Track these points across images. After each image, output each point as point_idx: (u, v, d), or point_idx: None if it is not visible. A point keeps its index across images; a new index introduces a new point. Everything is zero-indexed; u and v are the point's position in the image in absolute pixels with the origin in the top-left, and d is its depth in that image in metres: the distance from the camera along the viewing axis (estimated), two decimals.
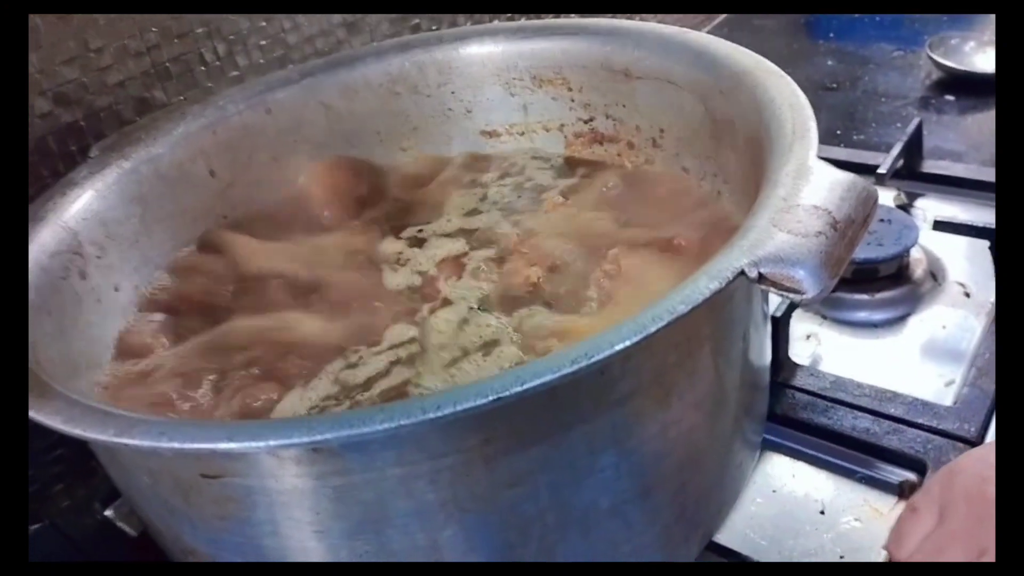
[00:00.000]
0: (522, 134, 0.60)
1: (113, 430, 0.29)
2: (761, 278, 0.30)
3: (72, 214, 0.46)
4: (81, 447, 0.56)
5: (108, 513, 0.53)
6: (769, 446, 0.50)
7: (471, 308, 0.45)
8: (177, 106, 0.56)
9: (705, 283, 0.29)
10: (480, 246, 0.51)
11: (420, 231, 0.54)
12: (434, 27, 0.75)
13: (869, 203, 0.32)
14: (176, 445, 0.28)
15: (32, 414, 0.31)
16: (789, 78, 0.42)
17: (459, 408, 0.27)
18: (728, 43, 0.47)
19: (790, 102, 0.39)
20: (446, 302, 0.46)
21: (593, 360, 0.27)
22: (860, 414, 0.50)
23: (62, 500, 0.56)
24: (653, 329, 0.28)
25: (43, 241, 0.44)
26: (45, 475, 0.55)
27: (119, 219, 0.49)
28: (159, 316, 0.48)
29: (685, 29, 0.51)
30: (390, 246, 0.53)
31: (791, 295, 0.29)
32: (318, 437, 0.27)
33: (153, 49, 0.57)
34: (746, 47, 0.47)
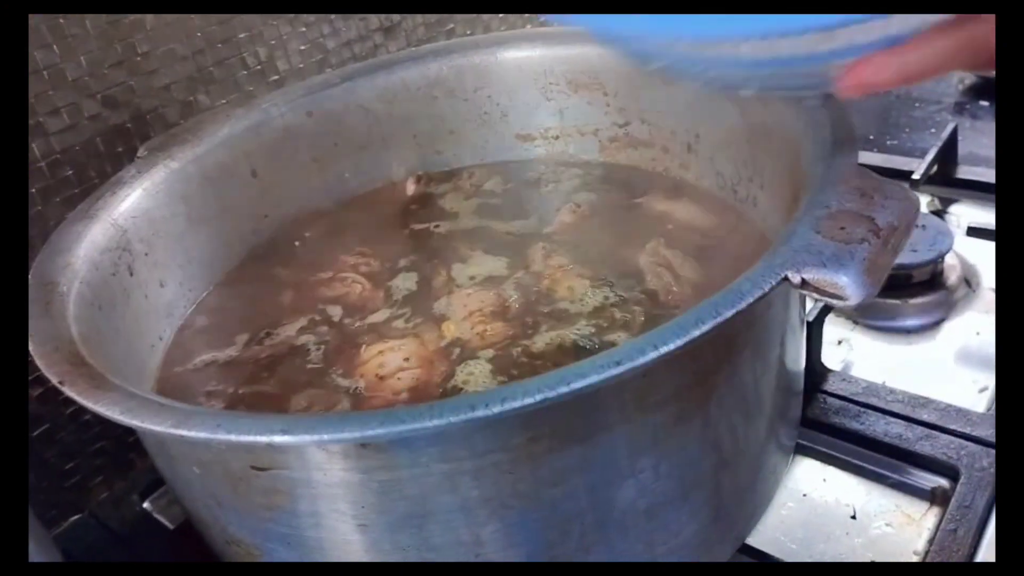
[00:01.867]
0: (556, 138, 0.61)
1: (171, 421, 0.30)
2: (804, 284, 0.30)
3: (121, 212, 0.48)
4: (121, 441, 0.58)
5: (146, 505, 0.54)
6: (801, 450, 0.50)
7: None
8: (221, 109, 0.58)
9: (749, 288, 0.30)
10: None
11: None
12: (468, 32, 0.76)
13: (911, 210, 0.32)
14: (232, 437, 0.29)
15: (91, 405, 0.32)
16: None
17: (507, 407, 0.27)
18: None
19: (829, 108, 0.40)
20: None
21: (637, 363, 0.28)
22: (892, 419, 0.50)
23: (101, 492, 0.57)
24: (697, 333, 0.29)
25: (95, 238, 0.45)
26: (85, 467, 0.56)
27: (166, 217, 0.50)
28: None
29: None
30: None
31: (834, 301, 0.30)
32: (369, 432, 0.28)
33: (197, 54, 0.59)
34: None
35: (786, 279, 0.30)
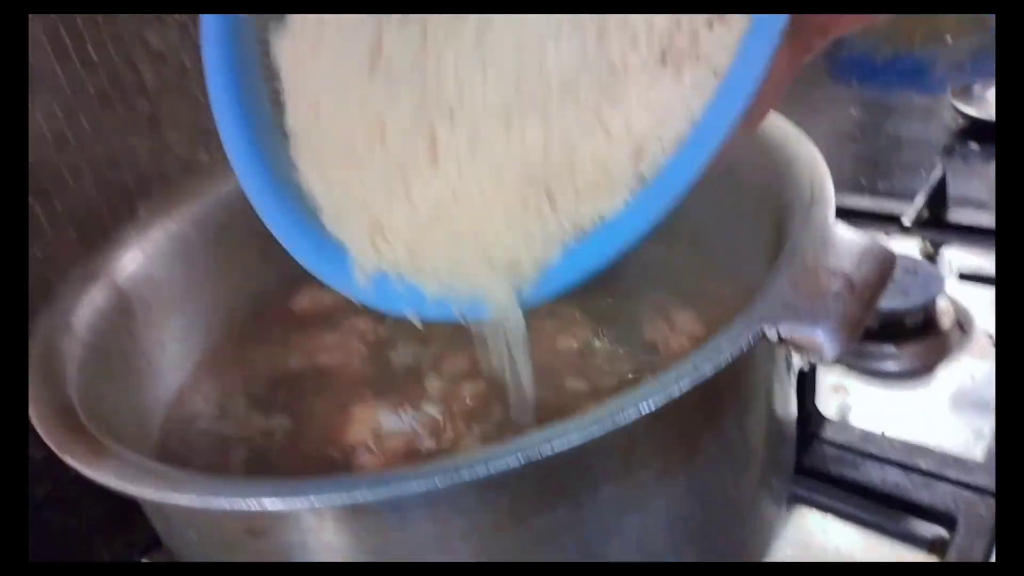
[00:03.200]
0: None
1: (165, 488, 0.31)
2: (781, 339, 0.31)
3: (122, 274, 0.49)
4: (122, 499, 0.58)
5: (145, 560, 0.55)
6: (799, 500, 0.50)
7: None
8: (221, 168, 0.59)
9: (727, 344, 0.30)
10: None
11: None
12: None
13: (886, 265, 0.33)
14: (223, 502, 0.30)
15: (88, 473, 0.33)
16: (807, 139, 0.43)
17: (492, 468, 0.28)
18: None
19: (809, 164, 0.41)
20: None
21: (619, 422, 0.29)
22: (890, 467, 0.50)
23: (102, 550, 0.57)
24: (677, 391, 0.29)
25: (94, 300, 0.46)
26: (86, 526, 0.56)
27: (165, 279, 0.51)
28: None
29: None
30: None
31: (811, 356, 0.30)
32: (358, 496, 0.28)
33: (199, 115, 0.60)
34: None
35: (763, 335, 0.30)
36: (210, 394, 0.49)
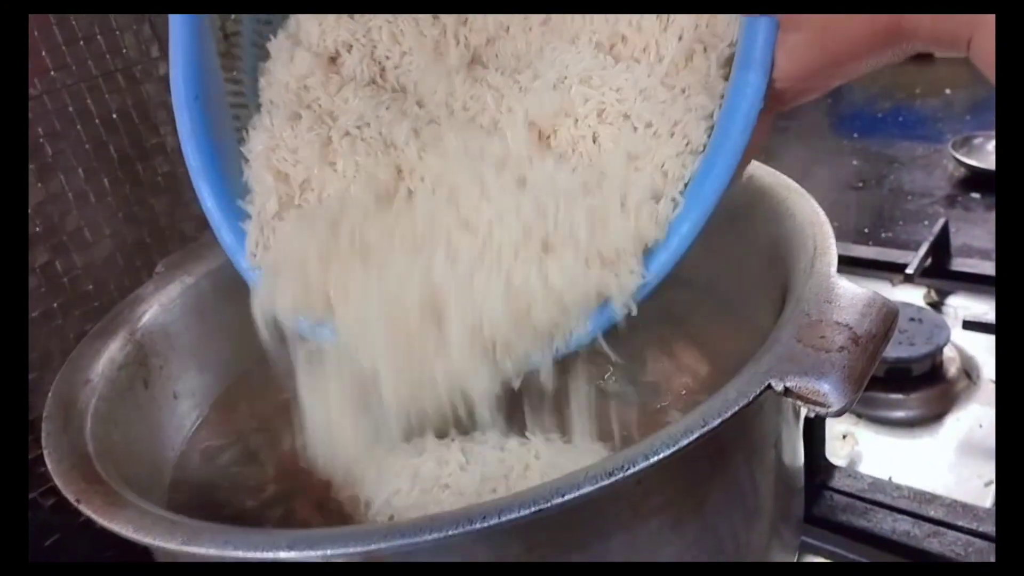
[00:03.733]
0: None
1: (180, 538, 0.31)
2: (787, 391, 0.31)
3: (139, 327, 0.50)
4: (132, 549, 0.58)
5: None
6: (809, 549, 0.50)
7: None
8: None
9: (734, 397, 0.31)
10: None
11: None
12: None
13: (889, 318, 0.33)
14: (239, 554, 0.30)
15: (106, 523, 0.33)
16: (808, 194, 0.44)
17: (504, 518, 0.28)
18: None
19: (810, 218, 0.42)
20: None
21: (629, 472, 0.29)
22: (900, 516, 0.50)
23: None
24: (685, 442, 0.30)
25: (112, 354, 0.47)
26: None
27: (180, 331, 0.52)
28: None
29: None
30: None
31: (817, 408, 0.31)
32: (373, 547, 0.29)
33: None
34: (772, 147, 0.50)
35: (770, 387, 0.31)
36: (220, 443, 0.49)
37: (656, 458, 0.29)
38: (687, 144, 0.36)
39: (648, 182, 0.36)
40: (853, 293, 0.34)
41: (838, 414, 0.31)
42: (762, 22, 0.32)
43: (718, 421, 0.30)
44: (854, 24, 0.31)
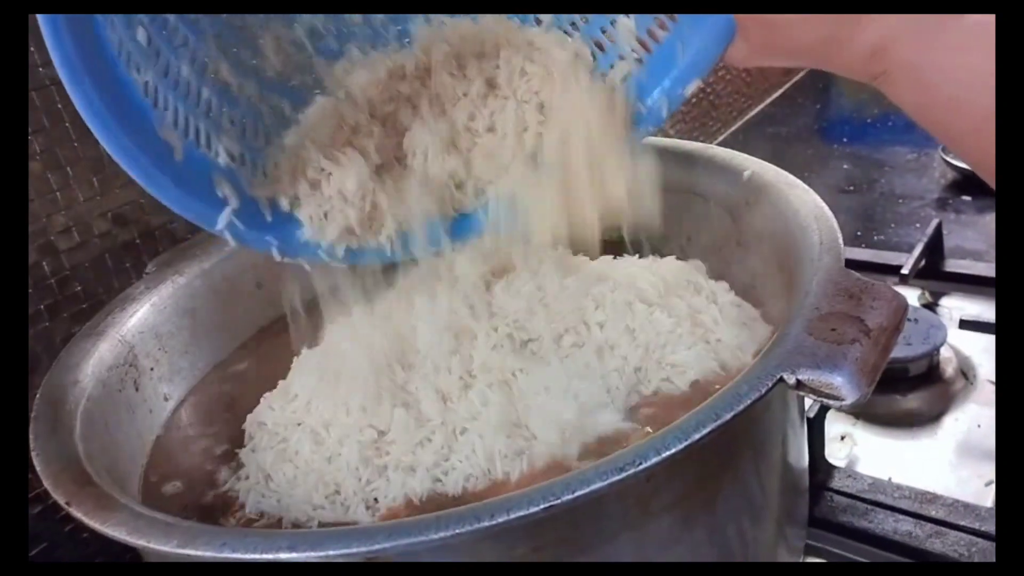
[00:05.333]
0: None
1: (176, 541, 0.30)
2: (800, 385, 0.31)
3: (129, 328, 0.49)
4: (118, 558, 0.57)
5: None
6: (811, 550, 0.50)
7: None
8: None
9: (746, 390, 0.30)
10: None
11: None
12: None
13: (899, 311, 0.33)
14: (237, 556, 0.29)
15: (98, 527, 0.32)
16: (811, 190, 0.44)
17: (512, 516, 0.28)
18: (749, 157, 0.50)
19: (815, 213, 0.41)
20: None
21: (640, 467, 0.28)
22: (901, 516, 0.50)
23: None
24: (697, 436, 0.29)
25: (102, 355, 0.46)
26: None
27: (172, 332, 0.51)
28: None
29: (708, 144, 0.54)
30: None
31: (830, 401, 0.30)
32: (376, 547, 0.28)
33: None
34: (763, 153, 0.50)
35: (782, 380, 0.30)
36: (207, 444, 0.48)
37: (667, 453, 0.29)
38: None
39: None
40: (863, 285, 0.34)
41: (852, 407, 0.30)
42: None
43: (730, 415, 0.30)
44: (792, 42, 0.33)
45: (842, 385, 0.30)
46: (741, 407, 0.30)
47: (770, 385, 0.30)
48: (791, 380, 0.31)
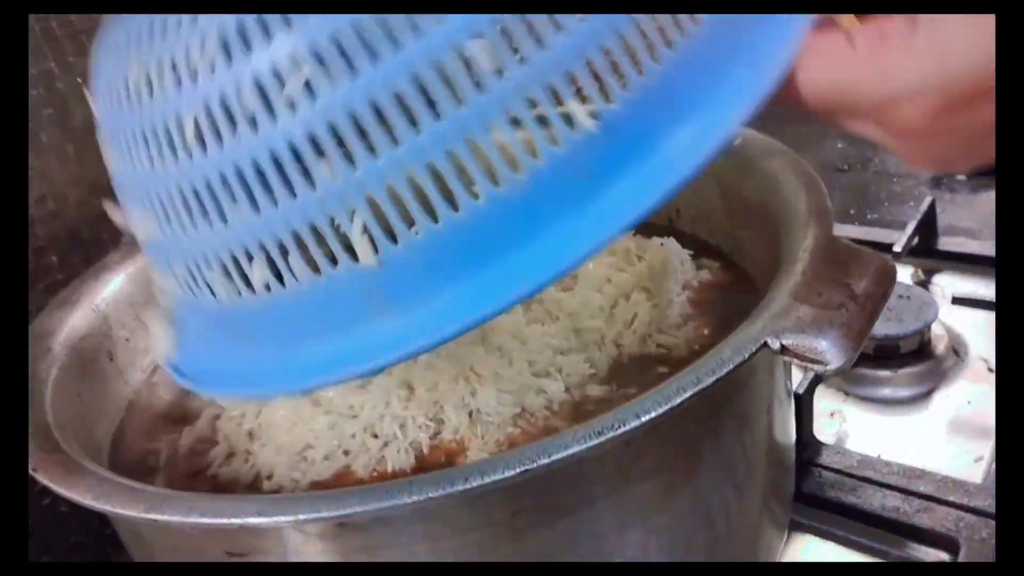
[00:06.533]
0: None
1: (142, 506, 0.29)
2: (784, 350, 0.30)
3: (104, 298, 0.48)
4: (98, 534, 0.56)
5: None
6: (798, 527, 0.49)
7: None
8: None
9: (729, 355, 0.30)
10: None
11: None
12: None
13: (887, 277, 0.32)
14: (205, 520, 0.28)
15: (63, 491, 0.31)
16: (800, 158, 0.43)
17: (487, 480, 0.27)
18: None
19: (804, 181, 0.40)
20: None
21: (619, 432, 0.28)
22: (889, 492, 0.49)
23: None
24: (678, 400, 0.28)
25: (75, 324, 0.45)
26: (62, 561, 0.54)
27: (148, 302, 0.50)
28: None
29: None
30: None
31: (814, 367, 0.30)
32: (347, 511, 0.27)
33: None
34: (756, 131, 0.49)
35: (766, 345, 0.30)
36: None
37: (647, 417, 0.28)
38: None
39: None
40: (851, 251, 0.33)
41: (836, 372, 0.29)
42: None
43: (712, 379, 0.29)
44: None
45: (827, 350, 0.29)
46: (723, 371, 0.29)
47: (753, 350, 0.30)
48: (775, 345, 0.30)
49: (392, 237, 0.25)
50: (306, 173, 0.25)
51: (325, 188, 0.25)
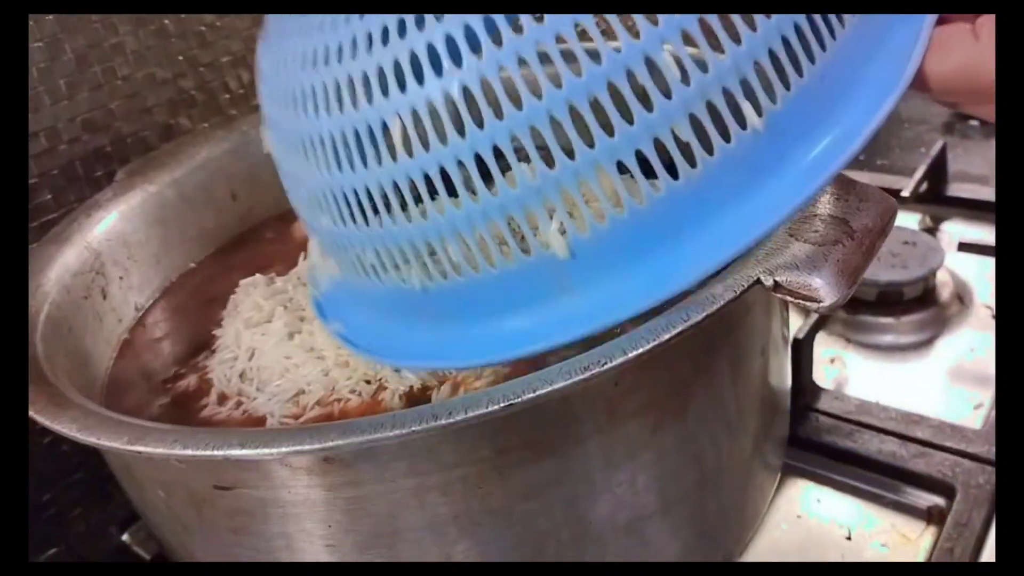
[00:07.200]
0: None
1: (127, 437, 0.29)
2: (777, 287, 0.29)
3: (96, 235, 0.47)
4: (98, 472, 0.56)
5: (124, 538, 0.53)
6: (793, 471, 0.49)
7: None
8: (201, 132, 0.57)
9: (721, 291, 0.29)
10: None
11: None
12: None
13: (887, 213, 0.31)
14: (189, 452, 0.28)
15: (48, 423, 0.31)
16: None
17: (471, 415, 0.26)
18: None
19: None
20: None
21: (606, 367, 0.27)
22: (886, 437, 0.49)
23: (79, 525, 0.56)
24: (667, 336, 0.28)
25: (67, 261, 0.45)
26: (62, 500, 0.55)
27: (142, 241, 0.50)
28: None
29: None
30: None
31: (808, 303, 0.29)
32: (329, 444, 0.27)
33: (179, 77, 0.58)
34: None
35: (758, 281, 0.29)
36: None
37: (634, 353, 0.27)
38: None
39: None
40: (851, 186, 0.32)
41: (830, 310, 0.29)
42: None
43: (702, 315, 0.28)
44: None
45: (821, 287, 0.28)
46: (714, 308, 0.28)
47: (745, 286, 0.29)
48: (768, 281, 0.29)
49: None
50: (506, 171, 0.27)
51: (525, 186, 0.27)
